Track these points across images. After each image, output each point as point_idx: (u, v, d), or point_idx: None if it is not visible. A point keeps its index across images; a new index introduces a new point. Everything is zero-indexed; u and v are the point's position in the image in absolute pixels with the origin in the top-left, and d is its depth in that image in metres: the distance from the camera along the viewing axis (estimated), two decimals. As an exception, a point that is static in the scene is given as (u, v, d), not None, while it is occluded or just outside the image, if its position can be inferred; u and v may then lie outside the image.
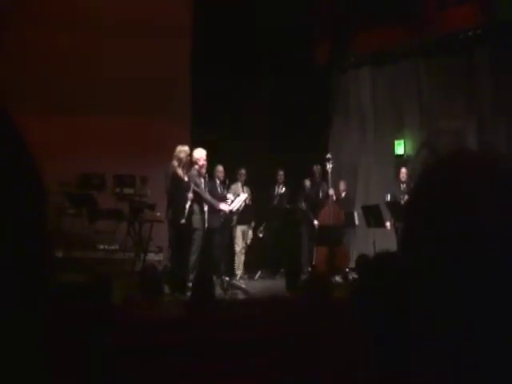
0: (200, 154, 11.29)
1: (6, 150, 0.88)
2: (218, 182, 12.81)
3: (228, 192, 12.59)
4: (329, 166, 13.39)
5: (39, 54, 13.47)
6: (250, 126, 15.27)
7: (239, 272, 13.32)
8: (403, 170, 13.43)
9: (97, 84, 13.80)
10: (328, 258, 13.04)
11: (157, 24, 14.42)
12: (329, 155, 13.60)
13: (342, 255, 13.29)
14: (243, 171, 13.87)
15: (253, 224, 13.78)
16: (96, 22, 13.93)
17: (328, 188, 13.55)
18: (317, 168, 13.94)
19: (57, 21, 13.72)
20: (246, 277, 13.35)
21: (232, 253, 13.42)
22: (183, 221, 10.76)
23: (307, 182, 14.26)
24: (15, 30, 13.32)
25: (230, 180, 12.85)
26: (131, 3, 14.47)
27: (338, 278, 12.27)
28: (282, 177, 14.58)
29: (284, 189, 14.55)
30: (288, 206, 14.36)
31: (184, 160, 11.01)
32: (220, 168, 13.02)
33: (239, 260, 13.59)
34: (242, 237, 13.67)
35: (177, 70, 14.59)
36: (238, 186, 13.73)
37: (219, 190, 12.76)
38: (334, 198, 13.55)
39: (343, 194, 14.50)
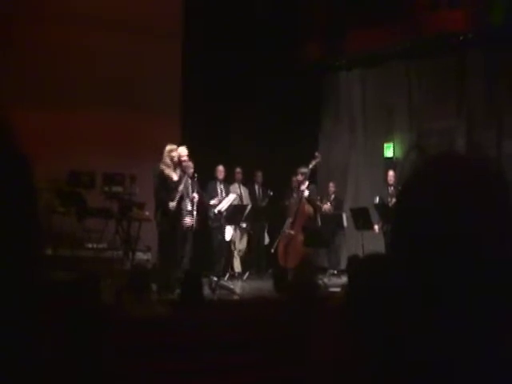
0: (180, 152, 11.28)
1: None
2: (218, 183, 12.93)
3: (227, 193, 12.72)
4: (312, 163, 13.34)
5: (29, 50, 13.41)
6: (239, 125, 15.27)
7: (239, 271, 13.39)
8: (391, 173, 13.44)
9: (87, 81, 13.75)
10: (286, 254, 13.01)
11: (148, 22, 14.39)
12: (317, 153, 13.59)
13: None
14: (239, 170, 13.88)
15: (247, 225, 13.80)
16: (87, 19, 13.87)
17: (304, 183, 13.38)
18: (303, 170, 13.73)
19: (48, 17, 13.66)
20: (236, 275, 13.38)
21: (229, 253, 13.48)
22: (172, 204, 10.80)
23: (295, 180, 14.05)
24: (3, 25, 13.25)
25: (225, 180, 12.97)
26: (123, 2, 14.45)
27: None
28: (261, 178, 14.56)
29: (261, 189, 14.53)
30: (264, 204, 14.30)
31: (175, 159, 11.04)
32: (220, 168, 13.10)
33: (237, 261, 13.65)
34: (239, 238, 13.71)
35: (167, 67, 14.56)
36: (235, 186, 13.75)
37: (219, 190, 12.85)
38: (306, 193, 13.35)
39: (332, 196, 14.48)
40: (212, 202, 12.44)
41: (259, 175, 14.53)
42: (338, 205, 14.39)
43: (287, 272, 10.73)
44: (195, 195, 11.40)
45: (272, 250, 13.20)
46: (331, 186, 14.57)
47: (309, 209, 13.34)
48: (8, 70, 13.00)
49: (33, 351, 0.87)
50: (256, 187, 14.54)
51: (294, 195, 13.58)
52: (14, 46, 13.25)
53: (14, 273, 0.85)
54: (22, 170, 0.91)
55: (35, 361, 0.87)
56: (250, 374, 5.71)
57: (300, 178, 13.37)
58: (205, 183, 12.60)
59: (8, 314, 0.84)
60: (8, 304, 0.84)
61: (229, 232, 12.74)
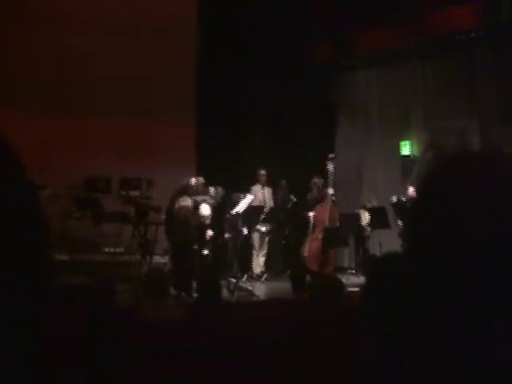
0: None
1: None
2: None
3: (247, 194, 12.71)
4: (330, 166, 13.25)
5: (45, 57, 13.48)
6: (253, 126, 15.27)
7: (259, 272, 13.44)
8: (411, 190, 12.92)
9: (103, 86, 13.80)
10: (320, 256, 12.95)
11: (161, 25, 14.41)
12: (331, 155, 13.47)
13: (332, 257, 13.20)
14: (263, 172, 13.84)
15: (268, 228, 13.80)
16: (101, 24, 13.92)
17: (327, 187, 13.32)
18: (317, 180, 13.67)
19: (63, 24, 13.72)
20: (255, 276, 13.37)
21: (249, 254, 13.50)
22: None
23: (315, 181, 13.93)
24: (13, 32, 13.30)
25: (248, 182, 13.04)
26: (135, 4, 14.46)
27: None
28: (285, 185, 14.48)
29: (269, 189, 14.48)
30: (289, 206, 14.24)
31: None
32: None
33: (257, 262, 13.64)
34: (259, 239, 13.71)
35: (181, 71, 14.57)
36: (257, 187, 13.72)
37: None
38: (334, 198, 13.31)
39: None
40: (235, 210, 12.40)
41: (284, 184, 14.41)
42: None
43: (305, 273, 10.70)
44: (210, 233, 11.56)
45: (305, 254, 13.11)
46: (365, 194, 14.36)
47: (336, 214, 13.30)
48: (23, 79, 13.07)
49: (40, 354, 0.87)
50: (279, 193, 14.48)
51: (315, 195, 13.58)
52: (29, 54, 13.32)
53: (21, 278, 0.84)
54: (21, 178, 0.90)
55: (42, 363, 0.87)
56: (269, 375, 5.69)
57: (319, 185, 13.43)
58: (224, 187, 12.59)
59: (13, 317, 0.84)
60: (14, 307, 0.83)
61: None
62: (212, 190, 12.23)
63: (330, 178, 13.27)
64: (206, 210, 11.49)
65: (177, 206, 11.36)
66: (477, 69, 14.26)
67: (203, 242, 11.35)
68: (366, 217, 13.46)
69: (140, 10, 14.33)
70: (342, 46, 15.79)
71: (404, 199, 12.75)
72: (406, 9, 14.36)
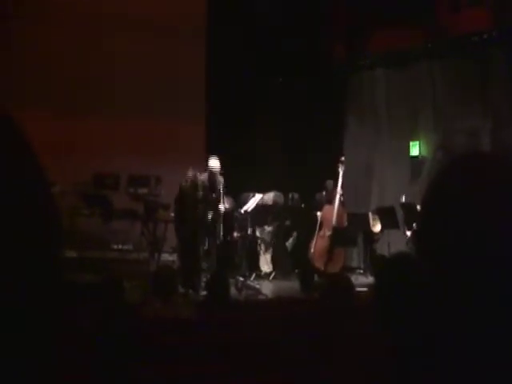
0: (211, 164, 11.15)
1: (10, 154, 0.87)
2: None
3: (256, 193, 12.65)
4: (341, 168, 13.24)
5: (55, 55, 13.50)
6: (263, 126, 15.28)
7: (267, 270, 13.44)
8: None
9: (112, 84, 13.81)
10: (327, 257, 12.95)
11: (171, 23, 14.41)
12: (343, 158, 13.43)
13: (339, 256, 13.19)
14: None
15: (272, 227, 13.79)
16: (112, 22, 13.94)
17: (336, 188, 13.33)
18: (329, 183, 13.66)
19: (73, 21, 13.74)
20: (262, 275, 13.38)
21: (257, 253, 13.51)
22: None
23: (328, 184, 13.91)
24: (27, 31, 13.33)
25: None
26: (146, 3, 14.46)
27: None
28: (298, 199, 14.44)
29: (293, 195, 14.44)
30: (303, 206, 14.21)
31: (189, 180, 10.98)
32: None
33: (264, 260, 13.64)
34: (266, 238, 13.72)
35: (191, 69, 14.58)
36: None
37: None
38: (342, 199, 13.33)
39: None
40: (244, 209, 12.30)
41: (296, 197, 14.37)
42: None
43: (314, 272, 10.69)
44: (221, 207, 11.23)
45: (311, 250, 13.10)
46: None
47: (344, 214, 13.32)
48: (32, 75, 13.09)
49: (52, 352, 0.87)
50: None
51: (325, 197, 13.58)
52: (38, 51, 13.34)
53: (35, 276, 0.84)
54: (37, 175, 0.90)
55: (54, 361, 0.87)
56: (277, 374, 5.69)
57: (330, 188, 13.43)
58: (232, 188, 12.46)
59: (29, 315, 0.84)
60: (29, 306, 0.84)
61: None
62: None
63: (340, 179, 13.27)
64: (214, 162, 11.22)
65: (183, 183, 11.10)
66: (489, 69, 14.22)
67: (216, 216, 11.15)
68: (376, 225, 13.46)
69: (151, 9, 14.33)
70: (355, 46, 15.80)
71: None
72: (420, 10, 14.35)
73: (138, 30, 14.11)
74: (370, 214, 13.47)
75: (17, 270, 0.81)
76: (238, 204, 12.56)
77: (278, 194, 13.85)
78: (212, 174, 10.94)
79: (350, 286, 5.85)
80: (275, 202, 13.68)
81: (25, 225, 0.83)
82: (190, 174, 11.03)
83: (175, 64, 14.40)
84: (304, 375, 4.69)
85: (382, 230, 13.36)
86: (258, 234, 13.43)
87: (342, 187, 13.29)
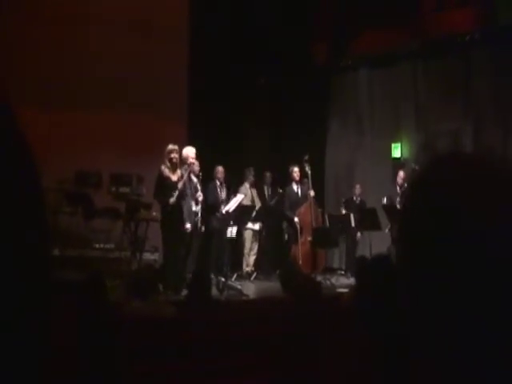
0: (187, 152, 11.18)
1: (5, 147, 0.87)
2: (218, 183, 12.78)
3: (235, 194, 12.61)
4: (308, 168, 13.30)
5: (36, 50, 13.43)
6: (246, 126, 15.28)
7: (248, 271, 13.53)
8: (401, 174, 13.40)
9: (94, 81, 13.74)
10: (311, 258, 13.02)
11: (154, 23, 14.40)
12: (306, 157, 13.46)
13: (321, 256, 13.29)
14: (250, 171, 13.83)
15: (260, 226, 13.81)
16: (94, 19, 13.90)
17: (308, 189, 13.42)
18: (292, 169, 13.71)
19: (55, 17, 13.68)
20: (245, 275, 13.41)
21: (240, 253, 13.52)
22: (172, 199, 10.67)
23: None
24: (10, 25, 13.26)
25: (236, 181, 12.93)
26: (130, 2, 14.44)
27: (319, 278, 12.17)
28: (270, 178, 14.47)
29: (270, 190, 14.47)
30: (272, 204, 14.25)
31: (174, 161, 10.88)
32: (220, 169, 12.96)
33: (247, 261, 13.66)
34: (250, 238, 13.72)
35: (174, 68, 14.55)
36: (245, 187, 13.70)
37: (219, 191, 12.73)
38: (312, 193, 13.38)
39: (358, 198, 14.34)
40: (225, 209, 12.27)
41: (268, 176, 14.45)
42: (362, 207, 14.12)
43: (295, 273, 10.70)
44: (200, 194, 11.31)
45: (300, 261, 13.15)
46: (357, 188, 14.47)
47: (319, 213, 13.41)
48: (14, 70, 13.01)
49: (42, 352, 0.87)
50: (265, 188, 14.47)
51: (298, 191, 13.64)
52: (21, 47, 13.27)
53: (25, 275, 0.85)
54: (30, 171, 0.90)
55: (41, 360, 0.87)
56: (257, 374, 5.70)
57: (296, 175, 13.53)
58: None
59: (19, 315, 0.84)
60: (19, 306, 0.84)
61: (233, 230, 12.64)
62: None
63: (309, 179, 13.36)
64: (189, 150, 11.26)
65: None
66: (472, 71, 14.29)
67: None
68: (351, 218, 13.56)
69: (134, 7, 14.30)
70: (338, 46, 15.84)
71: (398, 199, 12.81)
72: (404, 11, 14.40)
73: (123, 28, 14.07)
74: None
75: (4, 270, 0.82)
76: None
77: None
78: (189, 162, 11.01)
79: (317, 288, 5.90)
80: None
81: (14, 222, 0.83)
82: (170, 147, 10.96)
83: (158, 63, 14.37)
84: (284, 375, 4.71)
85: (363, 228, 13.40)
86: (239, 233, 13.41)
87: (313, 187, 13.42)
